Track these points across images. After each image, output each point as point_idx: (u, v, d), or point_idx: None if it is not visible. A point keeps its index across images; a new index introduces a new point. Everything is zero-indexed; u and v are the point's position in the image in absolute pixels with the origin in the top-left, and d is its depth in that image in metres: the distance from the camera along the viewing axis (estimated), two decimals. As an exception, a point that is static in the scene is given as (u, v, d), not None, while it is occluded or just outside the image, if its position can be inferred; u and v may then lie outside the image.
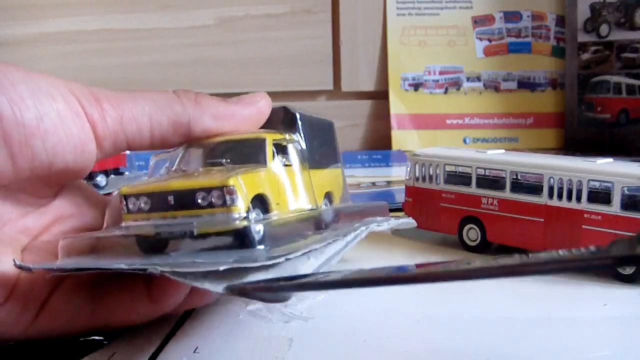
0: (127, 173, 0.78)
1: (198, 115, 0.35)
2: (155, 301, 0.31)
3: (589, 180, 0.43)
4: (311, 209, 0.36)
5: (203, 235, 0.30)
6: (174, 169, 0.35)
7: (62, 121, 0.32)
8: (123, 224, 0.32)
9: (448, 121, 1.01)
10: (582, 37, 0.96)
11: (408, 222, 0.45)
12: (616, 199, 0.42)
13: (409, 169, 0.52)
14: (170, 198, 0.31)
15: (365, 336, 0.34)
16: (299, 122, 0.38)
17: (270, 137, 0.36)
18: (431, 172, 0.51)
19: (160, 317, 0.33)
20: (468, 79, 1.01)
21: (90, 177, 0.72)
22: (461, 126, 1.01)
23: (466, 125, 1.01)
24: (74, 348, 0.32)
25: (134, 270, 0.27)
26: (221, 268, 0.26)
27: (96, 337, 0.33)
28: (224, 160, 0.35)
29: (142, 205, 0.31)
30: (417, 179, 0.51)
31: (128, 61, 0.98)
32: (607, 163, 0.45)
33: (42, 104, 0.31)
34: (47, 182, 0.34)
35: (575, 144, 0.97)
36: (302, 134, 0.38)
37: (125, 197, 0.32)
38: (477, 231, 0.48)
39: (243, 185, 0.31)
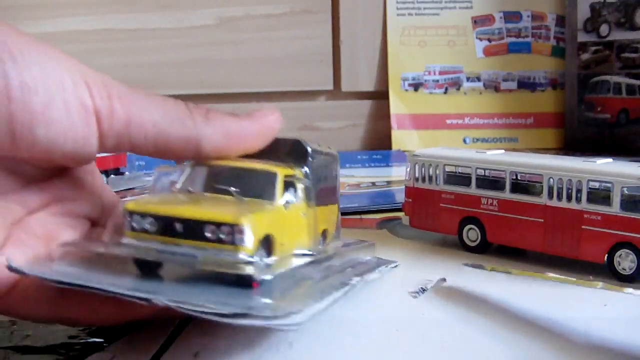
0: (127, 173, 0.78)
1: (209, 133, 0.34)
2: (123, 306, 0.30)
3: (588, 180, 0.43)
4: (314, 254, 0.35)
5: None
6: (179, 186, 0.34)
7: (68, 113, 0.31)
8: (125, 240, 0.31)
9: (448, 121, 1.01)
10: (582, 37, 0.96)
11: (391, 267, 0.44)
12: (616, 200, 0.42)
13: (408, 169, 0.52)
14: (178, 225, 0.30)
15: (365, 340, 0.34)
16: (310, 158, 0.37)
17: (282, 173, 0.35)
18: (431, 173, 0.51)
19: (160, 321, 0.33)
20: (468, 79, 1.01)
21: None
22: (461, 126, 1.01)
23: (466, 125, 1.01)
24: (72, 349, 0.32)
25: (135, 299, 0.27)
26: (228, 312, 0.27)
27: (96, 339, 0.33)
28: (233, 189, 0.33)
29: (147, 226, 0.31)
30: (417, 179, 0.51)
31: (128, 61, 0.98)
32: (606, 163, 0.45)
33: (51, 92, 0.31)
34: (47, 165, 0.34)
35: (575, 144, 0.97)
36: (311, 170, 0.37)
37: (130, 214, 0.31)
38: (477, 232, 0.48)
39: (254, 225, 0.30)
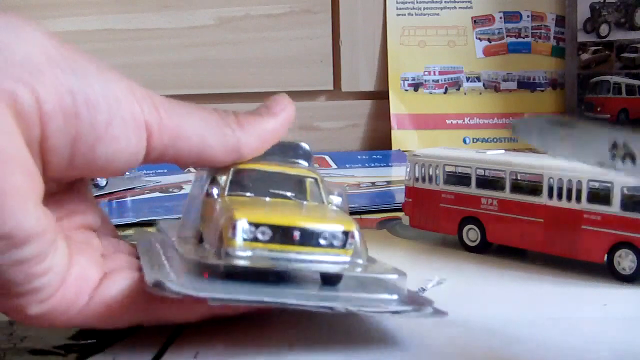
0: (127, 173, 0.78)
1: (245, 138, 0.34)
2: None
3: (588, 180, 0.43)
4: None
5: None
6: (228, 193, 0.34)
7: (126, 129, 0.30)
8: (231, 250, 0.31)
9: (448, 121, 1.01)
10: (582, 37, 0.96)
11: None
12: (616, 199, 0.42)
13: (408, 169, 0.52)
14: (297, 234, 0.32)
15: (364, 340, 0.34)
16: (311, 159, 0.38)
17: (319, 176, 0.37)
18: (431, 173, 0.51)
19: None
20: (468, 79, 1.01)
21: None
22: (461, 126, 1.01)
23: (466, 125, 1.01)
24: (72, 351, 0.32)
25: (320, 308, 0.30)
26: (402, 309, 0.32)
27: (96, 341, 0.33)
28: (289, 193, 0.35)
29: (260, 235, 0.31)
30: (417, 179, 0.51)
31: (128, 61, 0.98)
32: (606, 163, 0.45)
33: (112, 108, 0.29)
34: (73, 178, 0.33)
35: (575, 144, 0.97)
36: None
37: (244, 223, 0.31)
38: (477, 231, 0.48)
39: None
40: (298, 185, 0.36)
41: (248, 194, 0.35)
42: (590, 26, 0.95)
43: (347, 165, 0.85)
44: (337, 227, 0.32)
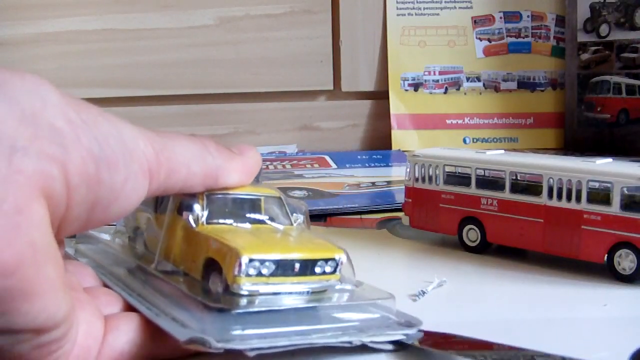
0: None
1: (225, 167, 0.34)
2: None
3: (588, 180, 0.43)
4: None
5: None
6: (204, 219, 0.34)
7: (137, 182, 0.30)
8: (236, 287, 0.31)
9: (448, 121, 1.01)
10: (582, 37, 0.96)
11: None
12: (616, 199, 0.42)
13: (408, 169, 0.52)
14: (297, 265, 0.32)
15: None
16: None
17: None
18: (430, 173, 0.51)
19: None
20: (468, 79, 1.01)
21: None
22: (461, 126, 1.01)
23: (466, 125, 1.01)
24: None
25: (339, 344, 0.31)
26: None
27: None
28: (264, 217, 0.36)
29: (263, 269, 0.31)
30: (417, 179, 0.51)
31: (128, 61, 0.98)
32: (606, 163, 0.45)
33: (127, 165, 0.29)
34: None
35: (575, 144, 0.97)
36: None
37: (250, 260, 0.31)
38: (476, 232, 0.48)
39: None
40: (268, 207, 0.36)
41: (228, 221, 0.35)
42: (590, 26, 0.95)
43: (347, 165, 0.85)
44: (330, 255, 0.33)
